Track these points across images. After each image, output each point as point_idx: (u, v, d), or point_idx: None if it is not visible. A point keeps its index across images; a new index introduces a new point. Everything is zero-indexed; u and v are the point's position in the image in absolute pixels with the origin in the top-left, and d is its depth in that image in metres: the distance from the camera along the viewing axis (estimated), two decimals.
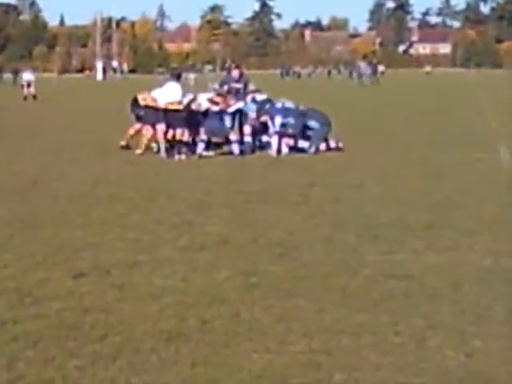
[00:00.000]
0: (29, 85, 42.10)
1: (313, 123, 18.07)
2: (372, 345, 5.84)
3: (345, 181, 13.74)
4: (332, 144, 18.20)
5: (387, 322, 6.32)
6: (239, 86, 18.93)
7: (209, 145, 17.69)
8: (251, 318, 6.42)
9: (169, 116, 17.07)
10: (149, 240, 9.21)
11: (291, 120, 17.78)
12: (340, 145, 18.22)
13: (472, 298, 6.98)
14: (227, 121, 17.51)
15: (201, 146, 17.37)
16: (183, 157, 16.76)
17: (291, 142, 17.77)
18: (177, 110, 17.05)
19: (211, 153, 17.41)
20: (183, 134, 17.03)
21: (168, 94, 17.28)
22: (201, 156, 17.15)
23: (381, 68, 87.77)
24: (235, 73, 19.29)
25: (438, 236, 9.37)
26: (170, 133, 17.11)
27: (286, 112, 17.92)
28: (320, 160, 16.71)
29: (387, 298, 6.95)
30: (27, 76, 42.73)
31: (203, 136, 17.44)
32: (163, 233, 9.61)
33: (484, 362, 5.55)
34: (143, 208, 11.25)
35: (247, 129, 17.78)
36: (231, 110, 17.58)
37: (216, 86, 19.66)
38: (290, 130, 17.76)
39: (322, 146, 18.06)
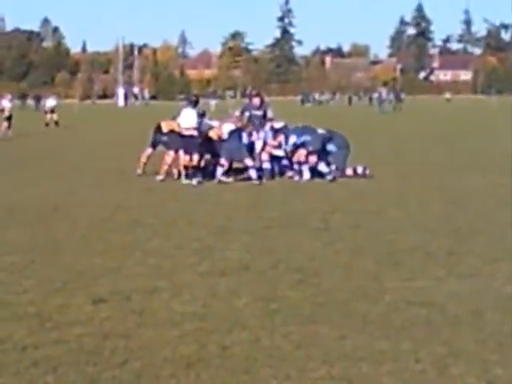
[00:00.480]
0: (52, 111, 42.45)
1: (331, 147, 18.10)
2: (393, 372, 5.79)
3: (365, 207, 13.71)
4: (359, 170, 18.17)
5: (408, 349, 6.28)
6: (260, 113, 18.97)
7: (228, 171, 17.77)
8: (271, 345, 6.39)
9: (184, 141, 17.29)
10: (169, 265, 9.22)
11: (308, 137, 17.86)
12: (367, 171, 18.16)
13: (494, 325, 6.92)
14: (244, 138, 17.72)
15: (219, 171, 17.45)
16: (194, 182, 16.84)
17: (313, 159, 17.76)
18: (191, 136, 17.26)
19: (230, 179, 17.46)
20: (196, 160, 17.17)
21: (184, 120, 17.51)
22: (220, 181, 17.21)
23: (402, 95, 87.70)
24: (256, 100, 19.32)
25: (460, 263, 9.32)
26: (186, 158, 17.27)
27: (301, 131, 18.07)
28: (340, 186, 16.70)
29: (408, 325, 6.91)
30: (51, 102, 43.16)
31: (223, 161, 17.52)
32: (183, 258, 9.61)
33: None
34: (163, 233, 11.27)
35: (264, 155, 17.84)
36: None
37: (237, 112, 19.74)
38: (310, 148, 17.83)
39: (349, 172, 18.04)
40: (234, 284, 8.30)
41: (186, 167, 17.32)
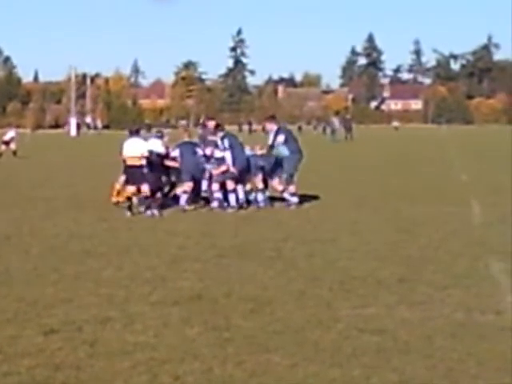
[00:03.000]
0: (8, 142, 42.38)
1: (284, 150, 18.19)
2: None
3: (318, 235, 13.79)
4: (291, 190, 18.15)
5: (359, 376, 6.33)
6: (215, 138, 18.68)
7: (196, 195, 17.90)
8: (224, 374, 6.40)
9: (128, 172, 16.96)
10: (121, 295, 9.17)
11: (261, 162, 18.10)
12: (294, 200, 18.08)
13: (444, 351, 7.01)
14: (199, 151, 17.88)
15: (183, 198, 17.53)
16: (156, 212, 16.63)
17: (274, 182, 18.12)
18: (137, 166, 16.90)
19: (192, 207, 17.53)
20: (147, 190, 16.78)
21: (128, 149, 17.03)
22: (184, 210, 17.23)
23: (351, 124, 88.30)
24: (211, 124, 19.04)
25: (411, 290, 9.42)
26: (132, 189, 16.93)
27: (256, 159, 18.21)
28: (293, 215, 16.79)
29: (360, 352, 6.96)
30: (10, 134, 43.31)
31: (185, 186, 17.58)
32: (136, 288, 9.57)
33: None
34: (116, 263, 11.21)
35: (215, 186, 17.72)
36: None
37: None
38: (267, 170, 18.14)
39: (291, 188, 18.03)
40: (187, 313, 8.30)
41: (128, 198, 16.88)
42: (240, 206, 17.55)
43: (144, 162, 16.86)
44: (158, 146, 17.94)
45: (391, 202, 18.92)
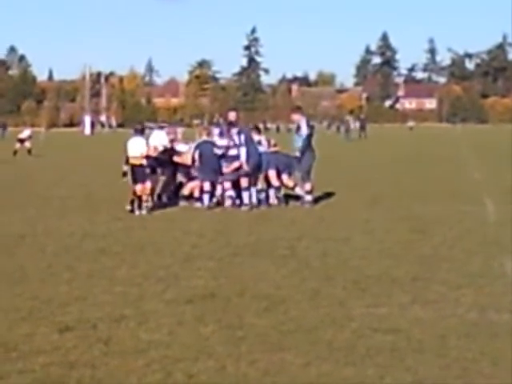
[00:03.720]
0: (24, 140, 42.61)
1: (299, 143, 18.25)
2: None
3: (332, 234, 13.79)
4: (307, 188, 18.12)
5: (373, 375, 6.33)
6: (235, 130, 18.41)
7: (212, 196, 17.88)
8: (237, 372, 6.41)
9: (133, 171, 17.02)
10: (135, 293, 9.21)
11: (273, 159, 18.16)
12: (309, 198, 18.06)
13: (458, 351, 7.00)
14: (216, 150, 17.89)
15: (206, 198, 17.60)
16: (144, 212, 16.64)
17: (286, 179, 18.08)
18: (140, 165, 17.01)
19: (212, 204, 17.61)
20: (149, 188, 16.90)
21: (131, 149, 17.13)
22: (210, 207, 17.30)
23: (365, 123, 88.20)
24: (231, 115, 18.79)
25: (424, 289, 9.41)
26: (137, 188, 16.88)
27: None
28: (307, 213, 16.78)
29: (373, 351, 6.96)
30: (27, 132, 43.65)
31: (206, 186, 17.61)
32: (150, 286, 9.61)
33: None
34: (130, 262, 11.25)
35: (227, 184, 17.73)
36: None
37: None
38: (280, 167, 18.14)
39: (307, 186, 17.99)
40: (200, 312, 8.32)
41: (138, 197, 16.91)
42: (253, 205, 17.56)
43: (145, 161, 16.92)
44: (161, 137, 18.00)
45: (404, 201, 18.88)
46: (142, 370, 6.46)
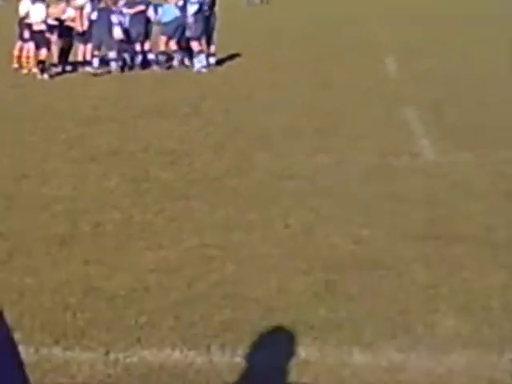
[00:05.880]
0: None
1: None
2: (263, 238, 5.96)
3: (235, 93, 13.72)
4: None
5: (277, 216, 6.45)
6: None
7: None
8: (143, 220, 6.44)
9: (35, 36, 16.80)
10: (37, 157, 9.03)
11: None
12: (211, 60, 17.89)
13: (360, 193, 7.16)
14: (114, 19, 17.40)
15: (95, 62, 17.14)
16: (46, 76, 16.41)
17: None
18: (41, 31, 16.72)
19: (100, 70, 17.14)
20: (45, 54, 16.67)
21: (33, 15, 16.89)
22: (95, 74, 16.86)
23: None
24: None
25: (328, 140, 9.52)
26: (44, 52, 16.70)
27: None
28: (210, 74, 16.61)
29: (277, 196, 7.07)
30: None
31: (95, 51, 17.18)
32: (51, 148, 9.44)
33: (371, 249, 5.74)
34: (30, 128, 10.98)
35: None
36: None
37: None
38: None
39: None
40: (105, 168, 8.26)
41: (41, 62, 16.68)
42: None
43: (44, 26, 16.69)
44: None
45: (310, 63, 18.82)
46: (47, 222, 6.42)
